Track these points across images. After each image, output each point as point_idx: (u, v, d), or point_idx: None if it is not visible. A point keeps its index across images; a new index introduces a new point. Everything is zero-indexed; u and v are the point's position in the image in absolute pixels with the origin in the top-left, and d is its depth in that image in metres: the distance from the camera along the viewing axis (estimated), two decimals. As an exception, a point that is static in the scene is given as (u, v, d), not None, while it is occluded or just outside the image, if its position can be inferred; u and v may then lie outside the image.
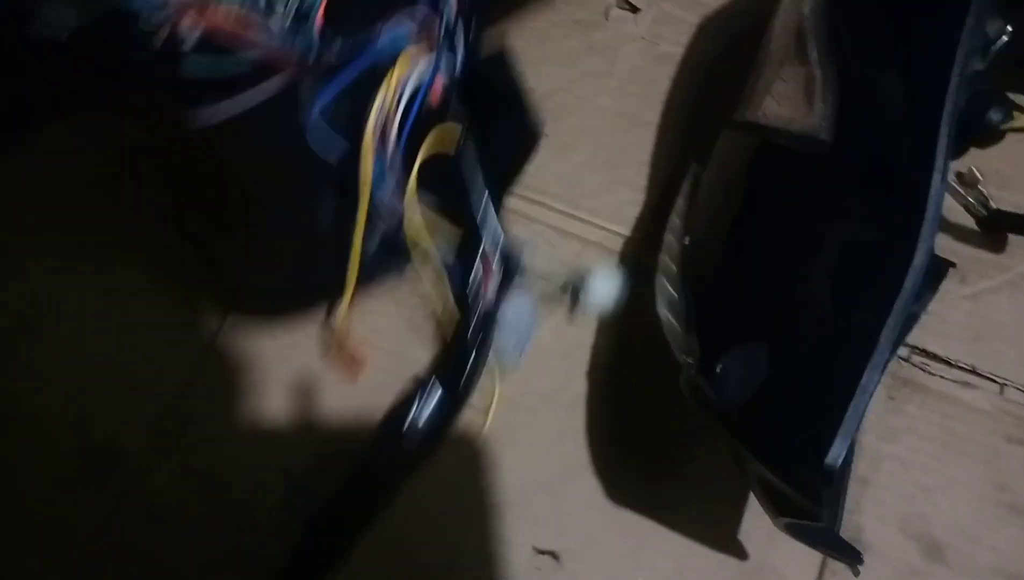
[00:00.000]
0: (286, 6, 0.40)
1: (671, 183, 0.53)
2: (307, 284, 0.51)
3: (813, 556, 0.48)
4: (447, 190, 0.49)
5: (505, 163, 0.51)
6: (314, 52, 0.41)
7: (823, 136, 0.39)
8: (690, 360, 0.42)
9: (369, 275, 0.48)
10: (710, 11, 0.61)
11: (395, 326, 0.52)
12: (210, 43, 0.38)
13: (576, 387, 0.51)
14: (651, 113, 0.58)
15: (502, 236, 0.50)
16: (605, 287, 0.52)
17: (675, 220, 0.47)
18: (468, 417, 0.50)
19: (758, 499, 0.40)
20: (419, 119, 0.44)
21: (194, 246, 0.53)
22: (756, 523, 0.48)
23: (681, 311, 0.43)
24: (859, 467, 0.49)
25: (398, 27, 0.43)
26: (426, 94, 0.44)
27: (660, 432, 0.51)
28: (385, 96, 0.42)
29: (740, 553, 0.48)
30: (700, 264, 0.44)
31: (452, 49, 0.45)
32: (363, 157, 0.43)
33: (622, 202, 0.56)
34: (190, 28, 0.38)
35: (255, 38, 0.39)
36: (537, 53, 0.58)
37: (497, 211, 0.50)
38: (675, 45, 0.60)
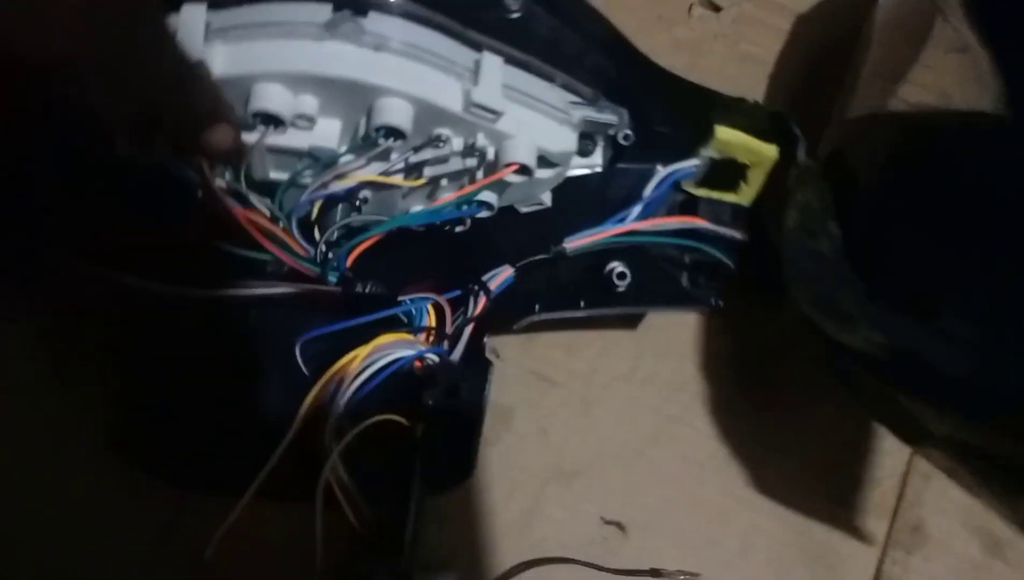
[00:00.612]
0: (325, 235, 0.42)
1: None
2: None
3: (874, 541, 0.49)
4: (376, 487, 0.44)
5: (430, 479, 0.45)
6: (334, 280, 0.42)
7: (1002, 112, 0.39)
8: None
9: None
10: (791, 15, 0.62)
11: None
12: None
13: (647, 366, 0.53)
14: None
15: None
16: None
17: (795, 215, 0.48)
18: (539, 387, 0.52)
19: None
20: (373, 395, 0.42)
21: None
22: (821, 510, 0.50)
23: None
24: (919, 462, 0.51)
25: (420, 299, 0.44)
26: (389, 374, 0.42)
27: (734, 414, 0.52)
28: (355, 356, 0.42)
29: (805, 535, 0.50)
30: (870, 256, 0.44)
31: (448, 350, 0.44)
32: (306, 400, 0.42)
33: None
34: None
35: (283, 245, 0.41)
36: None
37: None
38: (756, 46, 0.61)
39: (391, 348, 0.42)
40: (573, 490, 0.50)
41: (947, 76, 0.43)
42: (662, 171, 0.48)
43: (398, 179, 0.42)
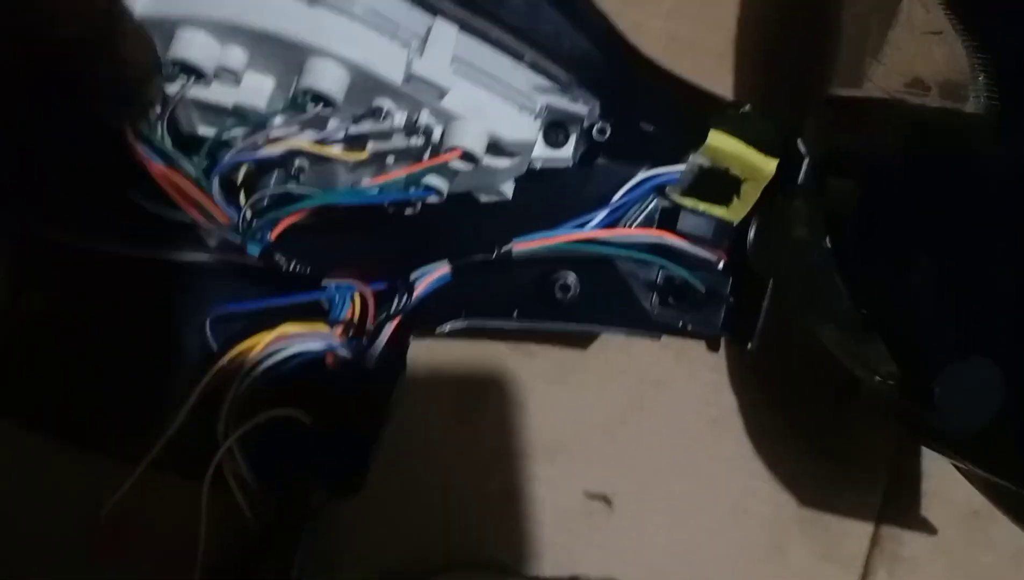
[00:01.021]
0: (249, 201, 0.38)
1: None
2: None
3: (870, 505, 0.49)
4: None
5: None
6: (255, 253, 0.38)
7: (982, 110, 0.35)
8: (876, 375, 0.39)
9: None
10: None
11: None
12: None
13: None
14: (713, 39, 0.51)
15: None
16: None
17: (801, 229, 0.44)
18: (514, 358, 0.48)
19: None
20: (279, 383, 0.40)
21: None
22: (815, 469, 0.49)
23: (848, 322, 0.41)
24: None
25: (345, 287, 0.41)
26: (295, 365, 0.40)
27: (719, 372, 0.49)
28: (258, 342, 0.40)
29: (799, 498, 0.49)
30: (866, 271, 0.41)
31: (366, 346, 0.41)
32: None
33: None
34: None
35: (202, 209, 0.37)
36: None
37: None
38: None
39: (300, 339, 0.39)
40: (555, 465, 0.47)
41: (919, 60, 0.37)
42: (646, 173, 0.43)
43: (335, 151, 0.37)
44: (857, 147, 0.43)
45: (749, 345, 0.44)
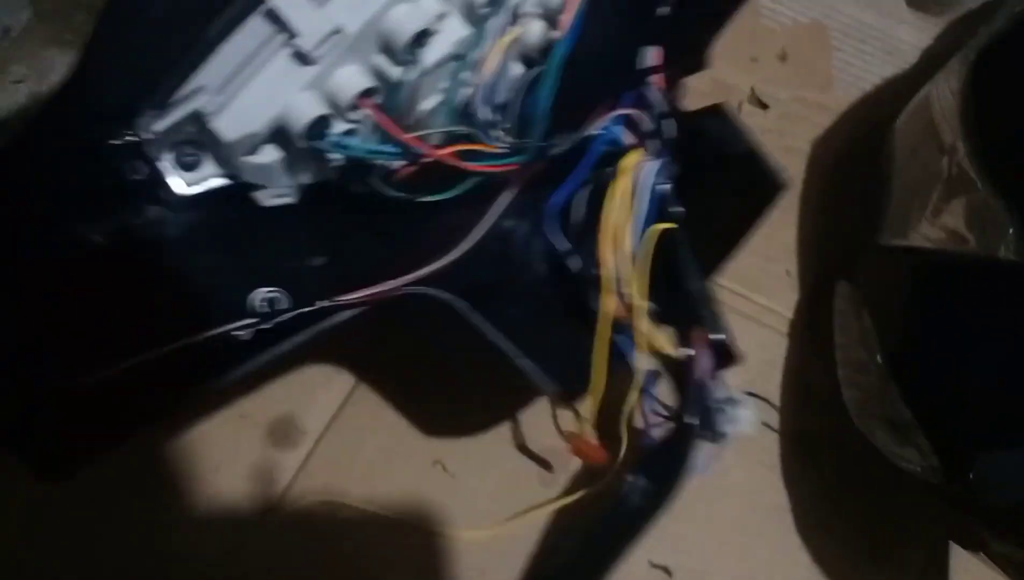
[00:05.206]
0: (510, 118, 0.40)
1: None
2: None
3: None
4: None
5: (736, 224, 0.44)
6: (538, 157, 0.40)
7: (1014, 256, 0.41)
8: (920, 468, 0.44)
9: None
10: (833, 113, 0.64)
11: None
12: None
13: None
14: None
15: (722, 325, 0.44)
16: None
17: (843, 339, 0.50)
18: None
19: None
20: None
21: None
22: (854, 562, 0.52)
23: (899, 422, 0.46)
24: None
25: (612, 125, 0.42)
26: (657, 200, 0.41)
27: (773, 474, 0.54)
28: (611, 204, 0.40)
29: None
30: (912, 378, 0.46)
31: (666, 140, 0.42)
32: (602, 261, 0.41)
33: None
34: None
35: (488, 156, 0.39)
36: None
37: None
38: (802, 141, 0.63)
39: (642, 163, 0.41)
40: None
41: (959, 216, 0.44)
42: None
43: (532, 25, 0.39)
44: (907, 285, 0.50)
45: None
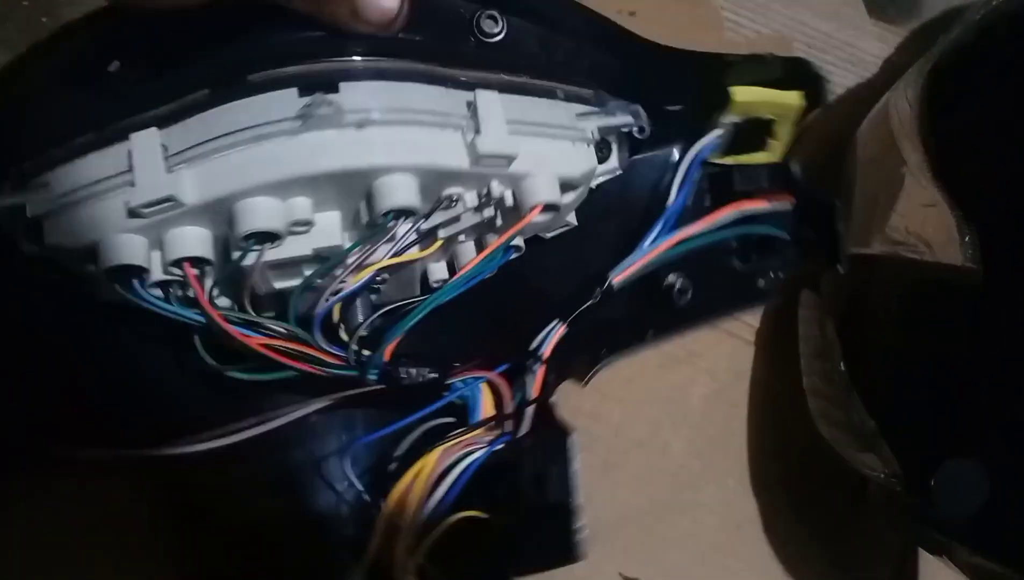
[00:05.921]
0: (354, 336, 0.37)
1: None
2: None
3: None
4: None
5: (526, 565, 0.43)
6: (374, 378, 0.38)
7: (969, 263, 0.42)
8: (882, 475, 0.45)
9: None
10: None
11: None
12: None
13: (664, 435, 0.55)
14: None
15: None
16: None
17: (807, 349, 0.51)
18: None
19: None
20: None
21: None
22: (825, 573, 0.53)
23: (862, 430, 0.47)
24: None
25: (472, 380, 0.40)
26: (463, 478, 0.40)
27: (743, 487, 0.55)
28: (421, 468, 0.39)
29: None
30: (875, 387, 0.47)
31: (513, 430, 0.41)
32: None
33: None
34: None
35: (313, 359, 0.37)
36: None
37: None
38: None
39: (459, 451, 0.39)
40: (594, 549, 0.49)
41: (917, 224, 0.45)
42: (689, 155, 0.45)
43: (414, 253, 0.37)
44: (868, 294, 0.51)
45: (839, 266, 0.49)
